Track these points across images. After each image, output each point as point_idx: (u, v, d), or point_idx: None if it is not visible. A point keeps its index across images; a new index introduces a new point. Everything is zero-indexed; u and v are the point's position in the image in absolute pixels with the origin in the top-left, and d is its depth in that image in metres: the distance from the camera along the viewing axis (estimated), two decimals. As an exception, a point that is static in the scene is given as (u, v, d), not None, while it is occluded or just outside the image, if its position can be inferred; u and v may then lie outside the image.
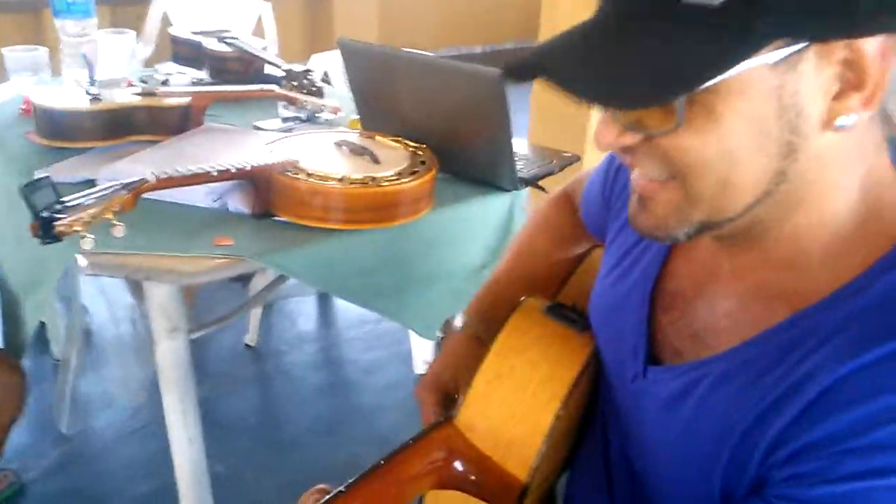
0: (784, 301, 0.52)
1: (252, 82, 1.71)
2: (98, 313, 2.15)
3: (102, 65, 1.52)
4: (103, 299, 2.10)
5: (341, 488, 0.60)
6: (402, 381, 2.02)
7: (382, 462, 0.63)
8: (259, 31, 2.93)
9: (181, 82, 1.76)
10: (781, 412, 0.49)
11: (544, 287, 0.83)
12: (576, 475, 0.75)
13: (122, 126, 1.37)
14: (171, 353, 1.05)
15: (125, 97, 1.39)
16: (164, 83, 1.72)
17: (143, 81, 1.71)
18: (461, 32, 5.91)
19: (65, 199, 0.90)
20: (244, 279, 1.97)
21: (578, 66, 0.47)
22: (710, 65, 0.43)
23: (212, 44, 1.83)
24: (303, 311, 2.35)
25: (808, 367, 0.48)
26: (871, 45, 0.44)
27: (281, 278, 1.44)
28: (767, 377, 0.51)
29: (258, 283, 1.92)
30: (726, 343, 0.55)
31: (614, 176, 0.74)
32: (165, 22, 2.89)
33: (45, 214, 0.87)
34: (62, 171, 1.24)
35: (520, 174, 1.26)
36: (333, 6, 4.88)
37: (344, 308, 2.37)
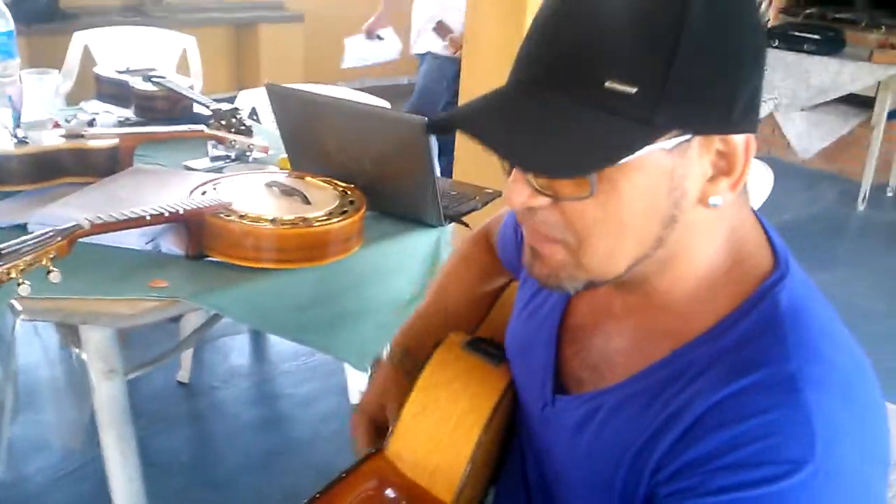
0: (667, 338, 0.60)
1: (180, 121, 1.74)
2: (32, 355, 2.10)
3: (28, 106, 1.52)
4: (38, 341, 2.06)
5: None
6: (337, 411, 2.05)
7: (318, 495, 0.68)
8: (184, 64, 2.93)
9: (108, 122, 1.77)
10: (665, 437, 0.56)
11: (465, 320, 0.90)
12: (500, 494, 0.81)
13: (50, 169, 1.37)
14: (108, 395, 1.07)
15: (52, 139, 1.40)
16: (91, 123, 1.72)
17: (68, 121, 1.71)
18: (387, 65, 6.00)
19: (0, 246, 0.91)
20: (175, 318, 1.97)
21: (502, 129, 0.53)
22: (624, 146, 0.50)
23: (138, 83, 1.85)
24: (235, 346, 2.35)
25: (687, 396, 0.56)
26: (740, 140, 0.53)
27: (215, 317, 1.46)
28: (654, 406, 0.58)
29: (190, 322, 1.92)
30: (620, 375, 0.62)
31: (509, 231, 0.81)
32: (86, 53, 2.87)
33: (-23, 262, 0.89)
34: (-10, 216, 1.24)
35: (444, 211, 1.33)
36: (259, 39, 4.91)
37: (277, 342, 2.39)
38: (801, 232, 3.72)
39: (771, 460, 0.50)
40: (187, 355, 2.10)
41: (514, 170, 0.55)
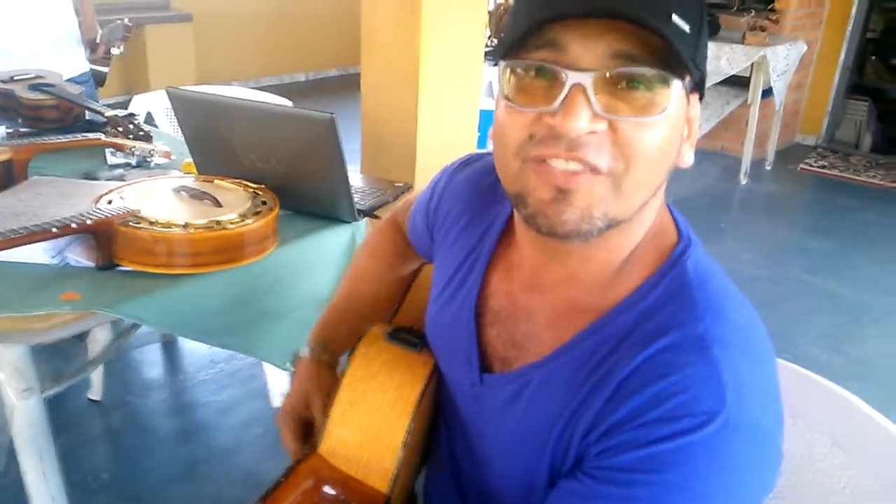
0: (589, 311, 0.64)
1: (73, 130, 1.68)
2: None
3: None
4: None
5: None
6: (259, 416, 2.03)
7: (259, 502, 0.69)
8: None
9: (-4, 135, 1.69)
10: (592, 402, 0.61)
11: (379, 308, 0.93)
12: (430, 475, 0.85)
13: (-64, 187, 1.31)
14: (27, 414, 1.04)
15: (-64, 156, 1.34)
16: (-25, 137, 1.64)
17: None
18: (284, 62, 5.93)
19: None
20: (81, 335, 1.90)
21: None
22: (687, 68, 0.55)
23: (24, 92, 1.77)
24: (147, 358, 2.29)
25: (610, 363, 0.61)
26: (698, 110, 0.60)
27: (133, 327, 1.43)
28: (579, 375, 0.63)
29: (97, 336, 1.86)
30: (545, 349, 0.66)
31: (435, 209, 0.83)
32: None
33: None
34: None
35: (357, 206, 1.36)
36: (146, 40, 4.74)
37: (191, 350, 2.34)
38: (690, 206, 3.95)
39: (688, 413, 0.56)
40: (97, 372, 2.03)
41: (572, 96, 0.54)
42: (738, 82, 4.28)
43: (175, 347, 2.34)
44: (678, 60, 0.54)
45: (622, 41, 0.54)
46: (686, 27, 0.54)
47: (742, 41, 4.08)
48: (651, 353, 0.59)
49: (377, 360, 0.79)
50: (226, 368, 2.22)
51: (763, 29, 4.15)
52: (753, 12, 4.37)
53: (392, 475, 0.73)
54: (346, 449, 0.74)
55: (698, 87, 0.60)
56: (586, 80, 0.54)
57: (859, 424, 0.82)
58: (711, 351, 0.57)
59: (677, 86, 0.56)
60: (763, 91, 4.17)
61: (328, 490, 0.72)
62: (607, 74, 0.54)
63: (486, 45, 7.68)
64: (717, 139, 4.76)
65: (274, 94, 2.36)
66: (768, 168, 4.59)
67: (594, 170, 0.56)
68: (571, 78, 0.54)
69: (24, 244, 1.03)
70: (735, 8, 4.53)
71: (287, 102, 1.87)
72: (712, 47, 4.11)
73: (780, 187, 4.40)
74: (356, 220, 1.34)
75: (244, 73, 5.49)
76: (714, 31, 4.25)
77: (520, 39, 0.55)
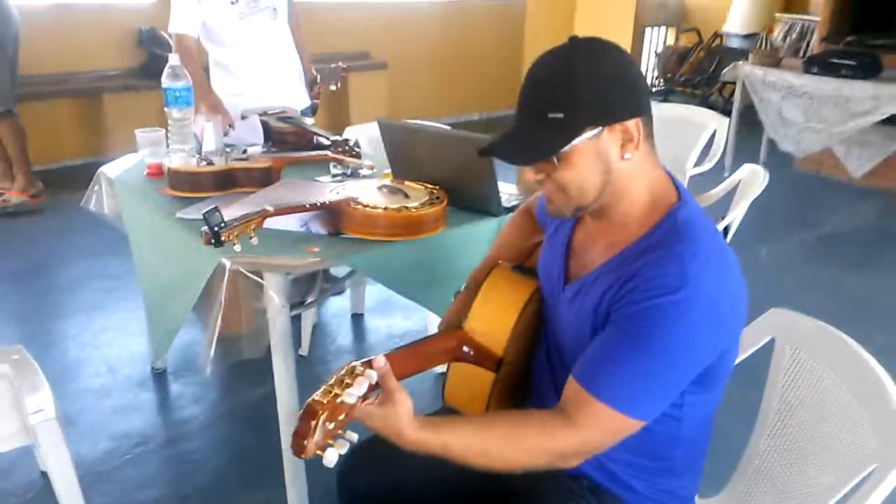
0: (618, 245, 1.09)
1: (306, 150, 2.33)
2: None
3: (206, 140, 2.13)
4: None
5: (384, 353, 1.08)
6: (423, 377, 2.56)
7: (416, 341, 1.18)
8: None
9: (255, 152, 2.37)
10: (621, 289, 1.05)
11: (513, 261, 1.40)
12: (536, 355, 1.31)
13: (227, 182, 1.97)
14: (281, 324, 1.62)
15: (227, 162, 2.00)
16: (244, 152, 2.32)
17: (228, 151, 2.32)
18: (460, 102, 6.63)
19: (223, 221, 1.48)
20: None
21: (507, 148, 1.07)
22: (563, 143, 1.02)
23: (275, 122, 2.45)
24: (341, 330, 2.92)
25: (628, 272, 1.05)
26: (631, 123, 1.04)
27: (344, 279, 2.00)
28: (610, 278, 1.07)
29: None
30: (593, 266, 1.12)
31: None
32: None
33: (215, 228, 1.45)
34: (195, 212, 1.83)
35: (507, 203, 1.85)
36: (349, 85, 5.57)
37: (375, 327, 2.94)
38: (842, 240, 4.05)
39: (662, 286, 0.99)
40: (307, 333, 2.67)
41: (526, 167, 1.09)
42: (902, 122, 4.32)
43: (362, 321, 2.95)
44: (548, 148, 1.03)
45: None
46: (559, 114, 1.01)
47: (903, 81, 4.15)
48: (647, 259, 1.03)
49: (503, 279, 1.27)
50: (400, 342, 2.78)
51: (927, 69, 4.18)
52: (918, 52, 4.40)
53: (505, 345, 1.19)
54: (479, 327, 1.22)
55: (608, 122, 1.02)
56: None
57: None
58: (683, 258, 1.00)
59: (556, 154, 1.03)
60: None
61: (465, 349, 1.21)
62: None
63: (654, 86, 7.95)
64: (882, 178, 4.75)
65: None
66: (933, 207, 4.53)
67: (551, 191, 1.08)
68: None
69: (290, 214, 1.63)
70: (900, 48, 4.57)
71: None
72: (870, 87, 4.21)
73: (944, 228, 4.35)
74: (501, 214, 1.83)
75: (426, 111, 6.21)
76: (875, 71, 4.34)
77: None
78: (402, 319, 3.05)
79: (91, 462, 2.17)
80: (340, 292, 3.21)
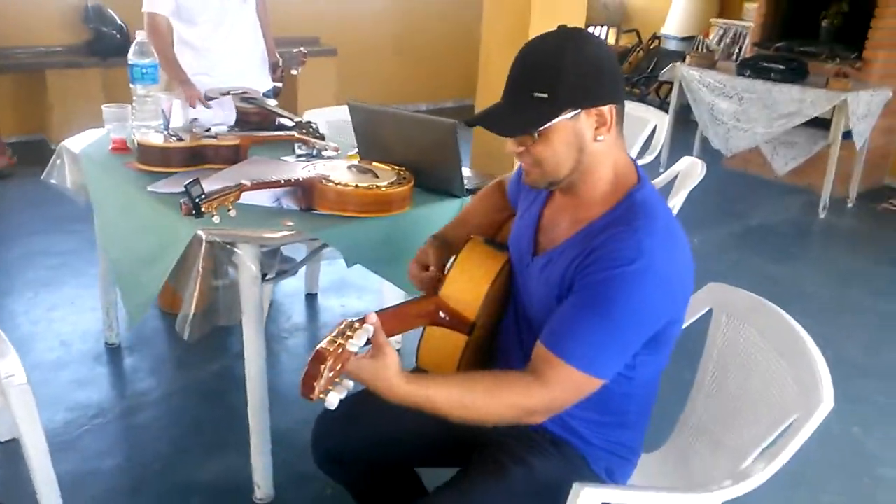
0: (583, 221, 1.22)
1: (269, 130, 2.39)
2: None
3: (174, 117, 2.17)
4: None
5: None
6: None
7: (397, 304, 1.29)
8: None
9: (220, 130, 2.41)
10: (584, 260, 1.17)
11: (475, 231, 1.52)
12: (504, 323, 1.43)
13: (196, 158, 2.02)
14: (253, 296, 1.69)
15: (196, 139, 2.05)
16: (208, 131, 2.37)
17: (195, 129, 2.36)
18: (409, 92, 6.70)
19: (204, 193, 1.54)
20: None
21: (493, 119, 1.17)
22: (544, 120, 1.14)
23: (238, 102, 2.50)
24: (295, 309, 2.99)
25: (590, 246, 1.17)
26: (606, 109, 1.16)
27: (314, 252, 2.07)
28: (574, 251, 1.20)
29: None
30: (560, 240, 1.25)
31: (519, 177, 1.45)
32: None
33: (196, 200, 1.52)
34: (165, 186, 1.88)
35: (466, 186, 1.96)
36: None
37: (328, 307, 3.03)
38: (768, 233, 4.33)
39: (618, 258, 1.12)
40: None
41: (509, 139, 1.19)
42: (824, 125, 4.62)
43: (315, 301, 3.04)
44: (530, 123, 1.15)
45: None
46: (544, 94, 1.13)
47: (826, 86, 4.44)
48: (609, 234, 1.16)
49: (477, 251, 1.38)
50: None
51: (846, 75, 4.50)
52: (839, 59, 4.71)
53: (477, 311, 1.31)
54: (455, 294, 1.32)
55: (586, 105, 1.15)
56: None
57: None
58: (638, 234, 1.13)
59: (535, 130, 1.15)
60: (847, 133, 4.50)
61: (441, 314, 1.32)
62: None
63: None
64: (805, 177, 5.07)
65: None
66: (850, 206, 4.87)
67: (528, 164, 1.20)
68: None
69: (265, 188, 1.70)
70: (824, 56, 4.88)
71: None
72: (796, 91, 4.50)
73: (857, 223, 4.69)
74: (464, 196, 1.95)
75: (376, 100, 6.26)
76: (801, 76, 4.63)
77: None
78: (356, 299, 3.14)
79: (51, 432, 2.18)
80: (293, 273, 3.28)
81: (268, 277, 1.87)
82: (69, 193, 2.32)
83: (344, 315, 3.01)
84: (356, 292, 3.18)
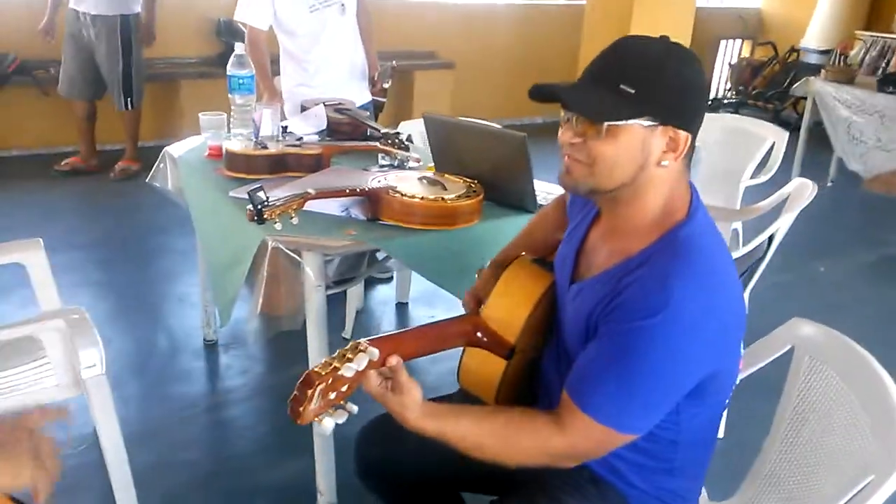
0: (621, 254, 1.12)
1: (358, 140, 2.41)
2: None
3: (264, 126, 2.25)
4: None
5: (400, 330, 1.16)
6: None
7: (434, 322, 1.24)
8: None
9: (311, 140, 2.47)
10: (610, 303, 1.08)
11: (538, 249, 1.44)
12: (547, 353, 1.35)
13: (279, 165, 2.07)
14: (317, 302, 1.70)
15: (280, 147, 2.10)
16: (299, 139, 2.43)
17: (285, 137, 2.43)
18: (524, 105, 6.63)
19: (267, 201, 1.57)
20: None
21: (568, 92, 1.07)
22: (622, 116, 1.04)
23: (331, 113, 2.55)
24: (385, 316, 3.01)
25: (622, 285, 1.07)
26: (682, 134, 1.06)
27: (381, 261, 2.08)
28: (607, 287, 1.10)
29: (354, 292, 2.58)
30: (596, 271, 1.15)
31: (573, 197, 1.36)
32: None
33: (259, 207, 1.55)
34: (245, 192, 1.94)
35: (540, 202, 1.89)
36: (415, 83, 5.68)
37: (418, 316, 3.02)
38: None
39: (642, 308, 1.01)
40: (350, 318, 2.77)
41: (565, 123, 1.08)
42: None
43: (406, 310, 3.03)
44: (608, 113, 1.03)
45: None
46: (631, 90, 1.02)
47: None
48: (637, 276, 1.05)
49: (523, 271, 1.32)
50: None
51: None
52: None
53: (518, 334, 1.24)
54: (495, 314, 1.26)
55: (667, 122, 1.04)
56: (571, 116, 1.06)
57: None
58: (668, 280, 1.01)
59: (608, 123, 1.03)
60: None
61: (479, 334, 1.26)
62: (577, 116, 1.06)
63: (726, 97, 7.78)
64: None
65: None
66: None
67: (577, 160, 1.07)
68: (566, 115, 1.07)
69: (330, 198, 1.71)
70: None
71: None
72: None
73: None
74: (536, 210, 1.87)
75: (489, 112, 6.25)
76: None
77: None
78: (444, 311, 3.11)
79: (140, 421, 2.31)
80: (387, 280, 3.31)
81: (350, 279, 1.88)
82: (171, 196, 2.46)
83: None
84: (445, 304, 3.15)
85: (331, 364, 0.97)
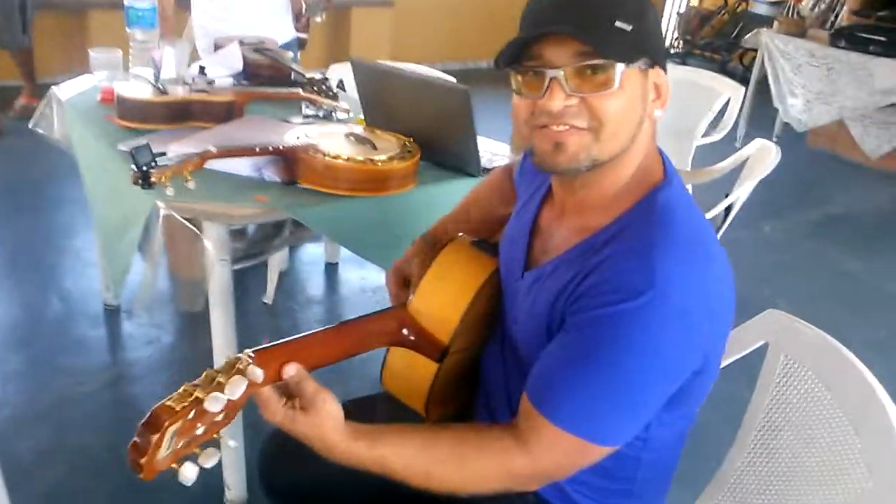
0: (588, 230, 0.91)
1: (281, 86, 2.12)
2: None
3: (166, 66, 1.93)
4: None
5: (303, 334, 0.92)
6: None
7: (351, 320, 1.00)
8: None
9: (224, 83, 2.17)
10: (577, 287, 0.87)
11: (479, 228, 1.22)
12: (488, 348, 1.14)
13: (181, 114, 1.78)
14: (220, 278, 1.45)
15: (184, 92, 1.80)
16: (211, 83, 2.12)
17: (193, 80, 2.12)
18: (468, 49, 6.33)
19: (156, 160, 1.30)
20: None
21: (592, 37, 0.81)
22: (636, 55, 0.83)
23: (249, 53, 2.24)
24: (311, 279, 2.76)
25: (590, 264, 0.87)
26: (665, 79, 0.87)
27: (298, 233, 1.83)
28: (571, 270, 0.89)
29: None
30: (556, 253, 0.94)
31: (522, 165, 1.14)
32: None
33: (144, 168, 1.27)
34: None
35: (484, 165, 1.66)
36: (351, 21, 5.30)
37: (347, 279, 2.79)
38: (851, 224, 3.87)
39: (622, 289, 0.81)
40: (271, 281, 2.52)
41: (551, 87, 0.82)
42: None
43: (336, 271, 2.80)
44: (620, 52, 0.81)
45: (580, 44, 0.81)
46: (627, 27, 0.81)
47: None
48: (612, 250, 0.85)
49: (460, 255, 1.09)
50: (373, 297, 2.63)
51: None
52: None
53: (452, 333, 1.02)
54: (426, 309, 1.04)
55: (657, 62, 0.86)
56: (559, 74, 0.82)
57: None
58: (651, 255, 0.82)
59: (621, 67, 0.82)
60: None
61: (405, 332, 1.03)
62: (572, 68, 0.82)
63: (673, 47, 7.64)
64: (898, 162, 4.54)
65: (455, 77, 2.72)
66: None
67: (577, 128, 0.84)
68: (549, 74, 0.82)
69: (236, 157, 1.45)
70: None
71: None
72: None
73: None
74: (479, 174, 1.64)
75: (432, 56, 5.93)
76: None
77: (516, 55, 0.84)
78: (377, 273, 2.88)
79: (30, 396, 2.04)
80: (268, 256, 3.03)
81: (264, 252, 1.62)
82: (59, 145, 2.13)
83: (363, 290, 2.82)
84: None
85: (191, 394, 0.73)
